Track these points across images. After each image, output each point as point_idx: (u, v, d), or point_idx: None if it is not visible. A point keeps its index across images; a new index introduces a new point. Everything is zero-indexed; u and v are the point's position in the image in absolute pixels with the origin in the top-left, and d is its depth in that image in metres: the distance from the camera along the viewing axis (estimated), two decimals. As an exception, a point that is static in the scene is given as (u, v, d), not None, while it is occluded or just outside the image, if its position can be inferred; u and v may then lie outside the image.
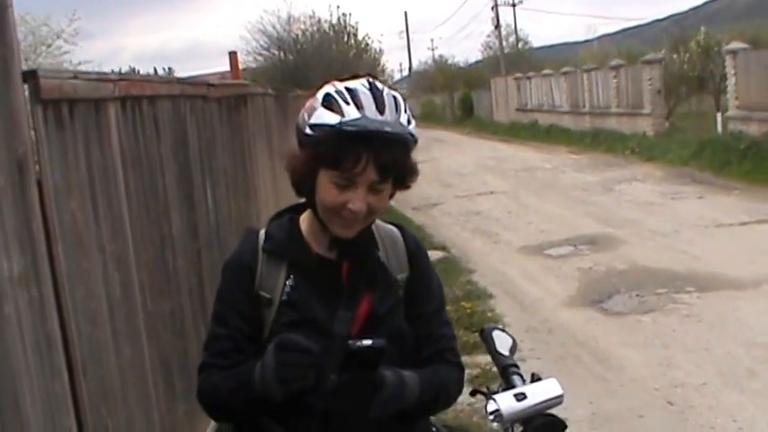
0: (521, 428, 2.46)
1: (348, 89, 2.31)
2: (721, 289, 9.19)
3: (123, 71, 16.86)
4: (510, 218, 15.56)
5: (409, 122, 2.35)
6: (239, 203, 7.95)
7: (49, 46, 16.17)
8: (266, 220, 2.60)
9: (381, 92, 2.32)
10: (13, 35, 2.84)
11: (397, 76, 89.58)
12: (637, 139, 25.70)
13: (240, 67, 15.51)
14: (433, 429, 2.66)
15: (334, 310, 2.41)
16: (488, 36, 70.14)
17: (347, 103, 2.28)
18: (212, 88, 6.99)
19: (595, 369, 7.22)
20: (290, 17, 33.41)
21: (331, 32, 34.25)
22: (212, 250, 6.20)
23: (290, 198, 2.52)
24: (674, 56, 29.21)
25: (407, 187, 2.44)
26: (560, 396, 2.47)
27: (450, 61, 76.05)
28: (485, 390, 2.59)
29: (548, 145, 31.06)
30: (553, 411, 2.46)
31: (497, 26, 61.53)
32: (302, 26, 33.65)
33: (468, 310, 8.96)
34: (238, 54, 15.00)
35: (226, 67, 14.74)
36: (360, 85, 2.34)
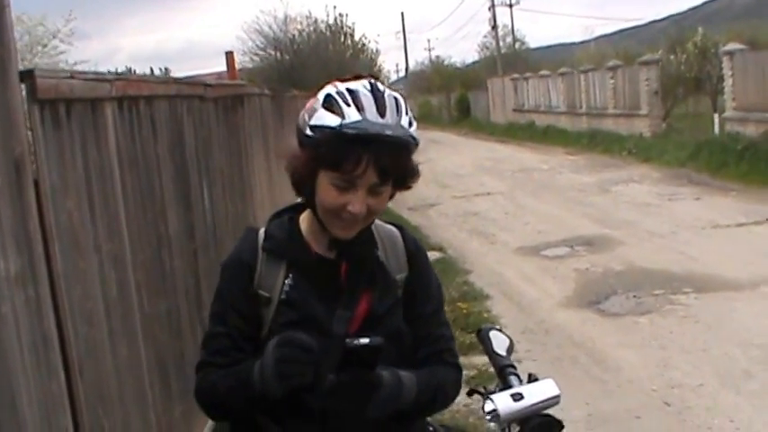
0: (518, 428, 2.46)
1: (349, 90, 2.31)
2: (718, 290, 9.20)
3: (119, 71, 16.85)
4: (507, 219, 15.56)
5: (410, 124, 2.34)
6: (236, 204, 7.94)
7: (45, 46, 16.18)
8: (263, 220, 2.60)
9: (383, 93, 2.32)
10: (11, 35, 2.84)
11: (394, 77, 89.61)
12: (634, 140, 25.70)
13: (237, 67, 15.49)
14: (431, 429, 2.66)
15: (333, 310, 2.41)
16: (485, 37, 70.37)
17: (348, 105, 2.27)
18: (209, 88, 6.99)
19: (592, 370, 7.22)
20: (286, 17, 33.51)
21: (328, 33, 34.31)
22: (209, 250, 6.20)
23: (287, 198, 2.52)
24: (672, 57, 29.20)
25: (408, 188, 2.44)
26: (557, 396, 2.47)
27: (446, 62, 76.23)
28: (482, 390, 2.59)
29: (545, 146, 31.06)
30: (550, 412, 2.46)
31: (494, 27, 61.63)
32: (299, 26, 33.76)
33: (465, 311, 8.96)
34: (234, 54, 14.98)
35: (222, 67, 14.69)
36: (361, 86, 2.33)
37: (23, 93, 3.02)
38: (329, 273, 2.45)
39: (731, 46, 22.68)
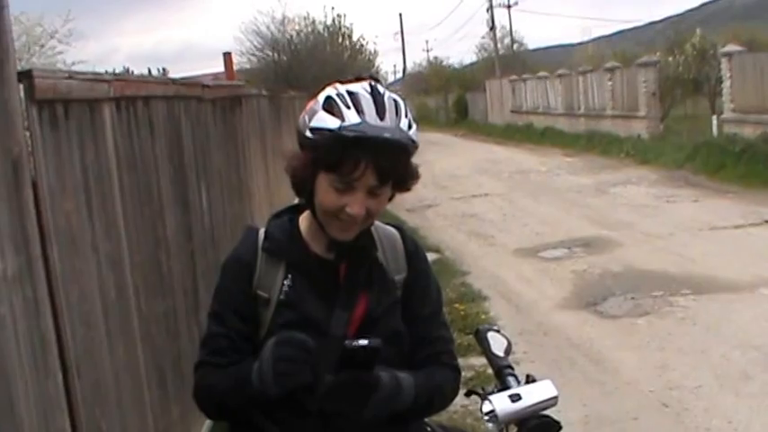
0: (515, 429, 2.46)
1: (349, 92, 2.31)
2: (717, 292, 9.20)
3: (117, 72, 16.85)
4: (505, 220, 15.56)
5: (410, 127, 2.34)
6: (233, 205, 7.94)
7: (43, 46, 16.19)
8: (260, 221, 2.60)
9: (383, 96, 2.32)
10: (9, 35, 2.84)
11: (391, 78, 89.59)
12: (631, 141, 25.72)
13: (234, 68, 15.50)
14: (428, 429, 2.66)
15: (332, 311, 2.41)
16: (483, 38, 70.28)
17: (348, 108, 2.27)
18: (207, 89, 6.99)
19: (590, 372, 7.22)
20: (284, 18, 33.36)
21: (325, 34, 34.23)
22: (206, 251, 6.19)
23: (285, 199, 2.52)
24: (670, 58, 29.28)
25: (408, 190, 2.44)
26: (555, 397, 2.47)
27: (444, 63, 76.21)
28: (480, 390, 2.59)
29: (542, 147, 31.08)
30: (548, 413, 2.46)
31: (492, 28, 61.55)
32: (296, 27, 33.62)
33: (463, 312, 8.95)
34: (232, 55, 15.00)
35: (219, 68, 14.72)
36: (361, 88, 2.33)
37: (21, 93, 3.02)
38: (328, 273, 2.45)
39: (730, 47, 22.72)
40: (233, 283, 2.47)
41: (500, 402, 2.43)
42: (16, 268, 2.73)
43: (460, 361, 2.72)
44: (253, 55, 32.98)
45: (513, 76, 44.23)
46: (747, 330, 7.81)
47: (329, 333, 2.37)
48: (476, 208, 17.33)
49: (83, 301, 3.48)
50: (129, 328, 4.13)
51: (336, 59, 32.41)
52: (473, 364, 6.79)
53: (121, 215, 4.14)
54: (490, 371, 2.70)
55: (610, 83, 29.81)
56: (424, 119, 56.69)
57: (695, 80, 28.36)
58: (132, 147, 4.53)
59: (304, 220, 2.51)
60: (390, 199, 2.44)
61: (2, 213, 2.67)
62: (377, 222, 2.53)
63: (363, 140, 2.23)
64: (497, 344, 2.71)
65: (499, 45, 61.86)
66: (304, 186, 2.38)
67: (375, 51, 40.02)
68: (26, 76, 3.09)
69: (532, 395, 2.46)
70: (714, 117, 23.79)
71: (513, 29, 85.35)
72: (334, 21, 34.59)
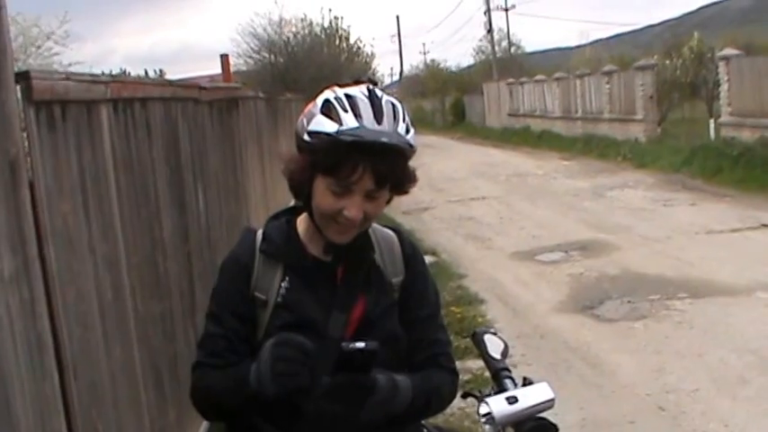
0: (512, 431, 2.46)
1: (347, 96, 2.31)
2: (714, 295, 9.20)
3: (114, 73, 16.86)
4: (502, 223, 15.56)
5: (407, 131, 2.34)
6: (230, 206, 7.93)
7: (39, 47, 16.18)
8: (257, 222, 2.60)
9: (380, 100, 2.32)
10: (7, 36, 2.83)
11: (388, 81, 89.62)
12: (629, 145, 25.74)
13: (231, 69, 15.51)
14: (425, 431, 2.66)
15: (329, 313, 2.41)
16: (481, 41, 70.25)
17: (345, 111, 2.27)
18: (204, 91, 6.98)
19: (587, 375, 7.22)
20: (281, 20, 33.38)
21: (322, 36, 34.25)
22: (203, 253, 6.19)
23: (281, 201, 2.52)
24: (667, 62, 29.31)
25: (405, 193, 2.45)
26: (551, 400, 2.47)
27: (441, 66, 76.20)
28: (477, 393, 2.59)
29: (540, 151, 31.11)
30: (544, 415, 2.46)
31: (490, 31, 61.66)
32: (293, 29, 33.63)
33: (459, 316, 8.96)
34: (229, 57, 15.00)
35: (217, 69, 14.74)
36: (359, 92, 2.33)
37: (19, 94, 3.01)
38: (325, 276, 2.45)
39: (727, 51, 22.73)
40: (231, 285, 2.47)
41: (497, 405, 2.43)
42: (13, 269, 2.72)
43: (457, 364, 2.71)
44: (250, 57, 33.01)
45: (511, 80, 44.26)
46: (744, 334, 7.81)
47: (327, 335, 2.37)
48: (473, 211, 17.33)
49: (79, 302, 3.47)
50: (125, 330, 4.13)
51: (333, 62, 32.42)
52: (470, 366, 6.79)
53: (118, 216, 4.14)
54: (487, 373, 2.70)
55: (607, 86, 29.83)
56: (420, 122, 56.66)
57: (693, 84, 28.40)
58: (129, 148, 4.52)
59: (301, 222, 2.51)
60: (388, 202, 2.45)
61: (-1, 214, 2.67)
62: (374, 225, 2.54)
63: (361, 144, 2.24)
64: (494, 346, 2.71)
65: (496, 48, 61.91)
66: (302, 189, 2.39)
67: (372, 54, 40.00)
68: (23, 77, 3.08)
69: (529, 398, 2.46)
70: (711, 121, 23.78)
71: (511, 32, 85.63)
72: (331, 23, 34.64)
